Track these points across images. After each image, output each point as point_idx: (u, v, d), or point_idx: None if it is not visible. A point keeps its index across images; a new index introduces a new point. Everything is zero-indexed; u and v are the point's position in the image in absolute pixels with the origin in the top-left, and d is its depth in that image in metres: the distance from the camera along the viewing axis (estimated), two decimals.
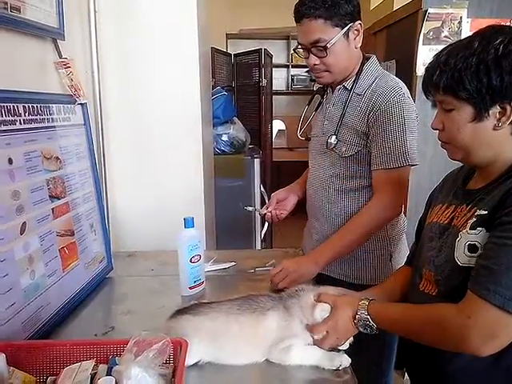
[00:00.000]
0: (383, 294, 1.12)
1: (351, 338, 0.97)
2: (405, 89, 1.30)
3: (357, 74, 1.35)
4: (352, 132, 1.32)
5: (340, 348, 0.97)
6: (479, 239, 0.84)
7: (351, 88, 1.34)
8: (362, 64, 1.35)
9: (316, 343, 0.96)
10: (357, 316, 0.94)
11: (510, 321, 0.77)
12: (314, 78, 1.42)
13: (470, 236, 0.85)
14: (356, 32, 1.30)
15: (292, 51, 5.71)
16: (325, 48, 1.26)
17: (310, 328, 0.96)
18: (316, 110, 1.52)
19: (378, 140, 1.27)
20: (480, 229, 0.84)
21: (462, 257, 0.86)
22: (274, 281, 1.25)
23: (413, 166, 1.30)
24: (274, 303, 0.99)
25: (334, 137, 1.35)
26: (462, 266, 0.86)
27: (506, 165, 0.87)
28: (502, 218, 0.80)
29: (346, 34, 1.28)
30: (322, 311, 0.96)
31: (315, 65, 1.31)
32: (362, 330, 0.95)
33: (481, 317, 0.78)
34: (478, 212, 0.86)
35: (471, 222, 0.86)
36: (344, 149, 1.34)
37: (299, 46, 1.33)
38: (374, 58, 1.38)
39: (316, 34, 1.26)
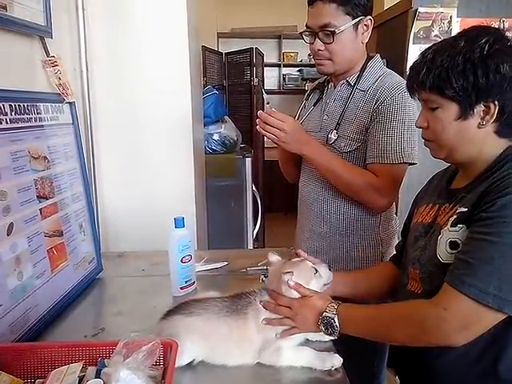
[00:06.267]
0: (366, 278, 1.16)
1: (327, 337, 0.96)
2: None
3: (360, 71, 1.35)
4: (353, 127, 1.32)
5: (322, 340, 0.97)
6: (460, 236, 0.85)
7: (354, 84, 1.34)
8: (366, 62, 1.35)
9: (272, 322, 0.94)
10: (324, 313, 0.92)
11: (484, 313, 0.79)
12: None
13: (451, 233, 0.87)
14: (365, 27, 1.30)
15: (283, 50, 5.73)
16: (332, 33, 1.25)
17: (272, 294, 0.96)
18: (314, 105, 1.49)
19: (377, 133, 1.27)
20: (461, 226, 0.86)
21: (443, 254, 0.88)
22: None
23: (411, 164, 1.30)
24: (250, 300, 0.98)
25: (334, 132, 1.34)
26: (444, 263, 0.87)
27: (487, 163, 0.89)
28: (480, 214, 0.82)
29: (356, 26, 1.28)
30: (290, 276, 0.95)
31: (319, 50, 1.30)
32: (323, 329, 0.93)
33: (457, 308, 0.80)
34: (459, 209, 0.87)
35: (452, 219, 0.88)
36: (343, 144, 1.33)
37: (306, 30, 1.32)
38: (377, 56, 1.39)
39: (326, 18, 1.25)
